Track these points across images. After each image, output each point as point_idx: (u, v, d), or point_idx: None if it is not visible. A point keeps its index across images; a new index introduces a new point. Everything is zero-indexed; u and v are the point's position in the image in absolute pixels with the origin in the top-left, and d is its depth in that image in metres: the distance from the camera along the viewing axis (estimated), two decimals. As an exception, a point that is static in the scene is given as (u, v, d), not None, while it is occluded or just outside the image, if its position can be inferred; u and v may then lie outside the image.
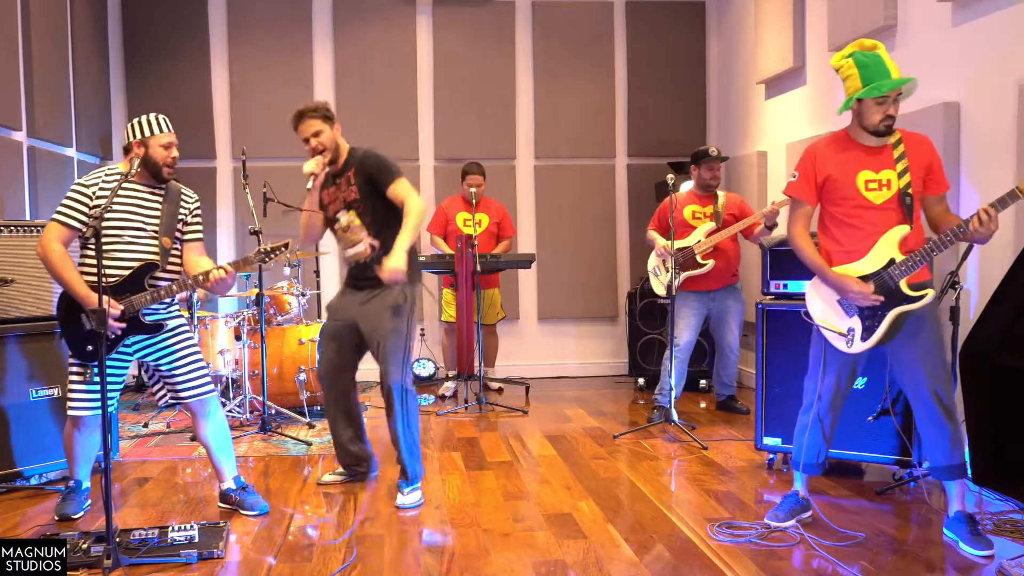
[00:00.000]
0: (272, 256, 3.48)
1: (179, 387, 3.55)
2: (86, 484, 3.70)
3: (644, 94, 7.15)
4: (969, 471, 3.35)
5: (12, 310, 3.98)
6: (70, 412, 3.50)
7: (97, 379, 3.45)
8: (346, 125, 6.87)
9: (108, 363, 3.43)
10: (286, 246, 3.50)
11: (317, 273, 6.50)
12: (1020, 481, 3.32)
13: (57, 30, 5.57)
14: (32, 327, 4.02)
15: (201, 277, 3.39)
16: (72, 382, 3.48)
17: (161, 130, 3.46)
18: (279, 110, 6.84)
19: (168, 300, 3.51)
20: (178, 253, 3.55)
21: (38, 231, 4.07)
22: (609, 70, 7.12)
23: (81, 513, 3.59)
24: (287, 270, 5.90)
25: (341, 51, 6.91)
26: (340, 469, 4.11)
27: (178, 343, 3.54)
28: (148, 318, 3.44)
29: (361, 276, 3.83)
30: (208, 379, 3.62)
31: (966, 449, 3.29)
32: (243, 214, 6.78)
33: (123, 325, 3.37)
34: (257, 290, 5.14)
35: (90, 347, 3.40)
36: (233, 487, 3.65)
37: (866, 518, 3.46)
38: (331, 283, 6.94)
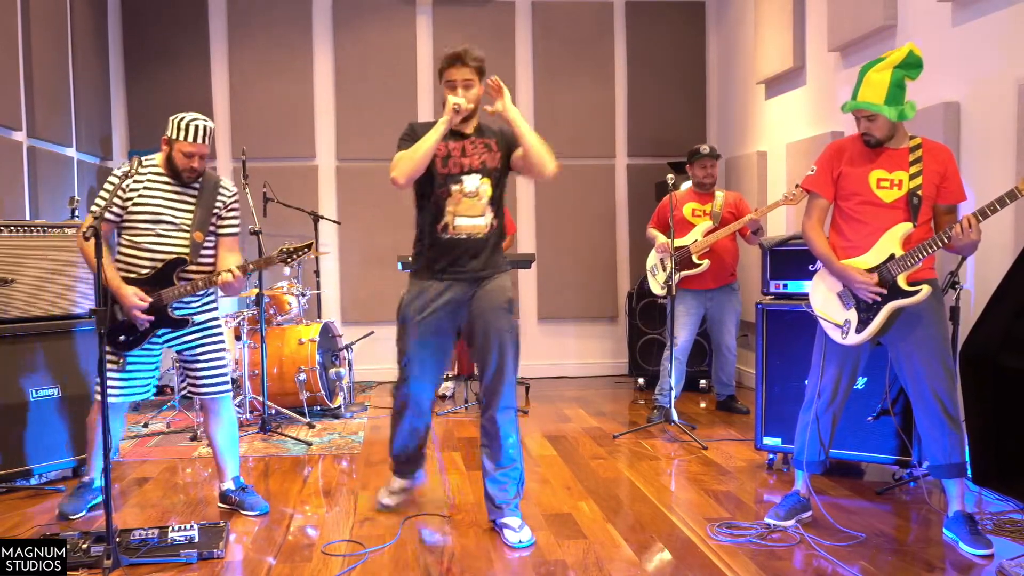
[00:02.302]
0: (295, 256, 3.49)
1: (197, 381, 3.59)
2: (98, 483, 3.69)
3: (644, 94, 7.15)
4: (969, 471, 3.36)
5: (12, 310, 3.98)
6: (99, 397, 3.47)
7: (130, 368, 3.50)
8: (346, 125, 6.93)
9: (139, 353, 3.49)
10: (309, 247, 3.51)
11: (317, 273, 6.50)
12: (1020, 481, 3.33)
13: (57, 30, 5.57)
14: (32, 327, 4.02)
15: (215, 277, 3.41)
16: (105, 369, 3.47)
17: (187, 137, 3.42)
18: (279, 110, 6.88)
19: (200, 295, 3.53)
20: (211, 247, 3.55)
21: (38, 231, 4.08)
22: (609, 70, 7.12)
23: (81, 513, 3.58)
24: (287, 270, 5.90)
25: (341, 51, 6.91)
26: (399, 485, 3.65)
27: (204, 338, 3.56)
28: (176, 312, 3.47)
29: (467, 263, 3.27)
30: (226, 379, 3.62)
31: (966, 448, 3.29)
32: (243, 214, 6.74)
33: (151, 318, 3.40)
34: (257, 290, 5.14)
35: (122, 337, 3.43)
36: (232, 488, 3.65)
37: (866, 518, 3.46)
38: (330, 283, 6.94)
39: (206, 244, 3.51)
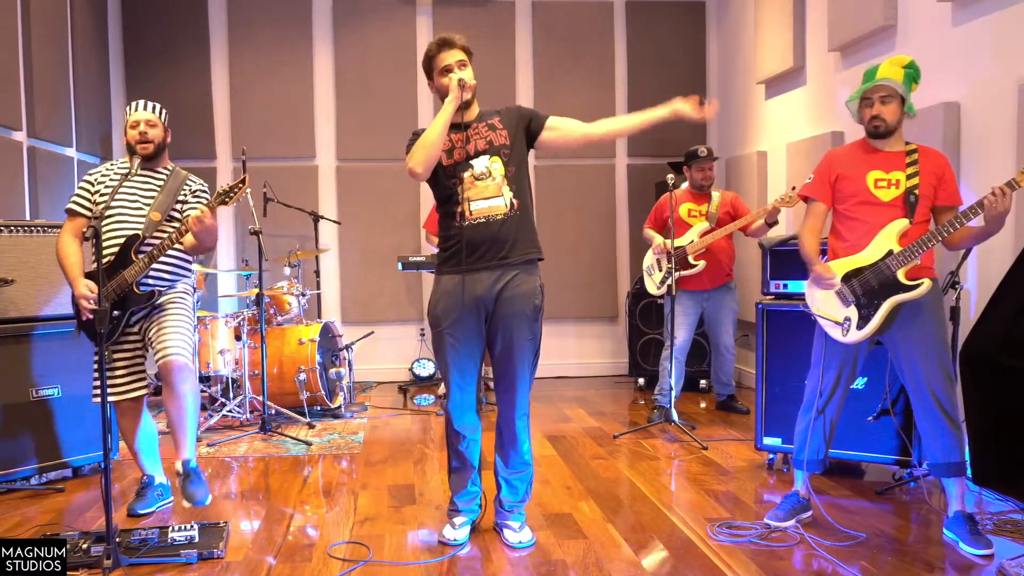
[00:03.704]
0: (231, 196, 3.39)
1: (155, 345, 3.44)
2: (159, 479, 3.71)
3: (644, 94, 7.12)
4: (969, 471, 3.36)
5: (12, 310, 3.98)
6: (96, 401, 3.44)
7: (114, 364, 3.51)
8: (346, 125, 6.93)
9: (121, 345, 3.51)
10: (243, 181, 3.43)
11: (317, 273, 6.50)
12: (1020, 481, 3.33)
13: (57, 30, 5.57)
14: (32, 327, 4.02)
15: (182, 226, 3.36)
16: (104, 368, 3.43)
17: (130, 112, 3.57)
18: (279, 110, 6.88)
19: (169, 280, 3.54)
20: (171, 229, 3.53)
21: (38, 231, 4.08)
22: (609, 70, 7.12)
23: (150, 510, 3.62)
24: (287, 270, 5.90)
25: (341, 51, 6.91)
26: (463, 521, 3.34)
27: (167, 311, 3.50)
28: (142, 288, 3.46)
29: (491, 250, 3.12)
30: (186, 348, 3.46)
31: (966, 448, 3.29)
32: (243, 214, 6.78)
33: (95, 307, 3.31)
34: (257, 290, 5.15)
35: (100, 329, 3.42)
36: (180, 471, 3.49)
37: (866, 518, 3.46)
38: (330, 283, 6.94)
39: (163, 226, 3.52)
